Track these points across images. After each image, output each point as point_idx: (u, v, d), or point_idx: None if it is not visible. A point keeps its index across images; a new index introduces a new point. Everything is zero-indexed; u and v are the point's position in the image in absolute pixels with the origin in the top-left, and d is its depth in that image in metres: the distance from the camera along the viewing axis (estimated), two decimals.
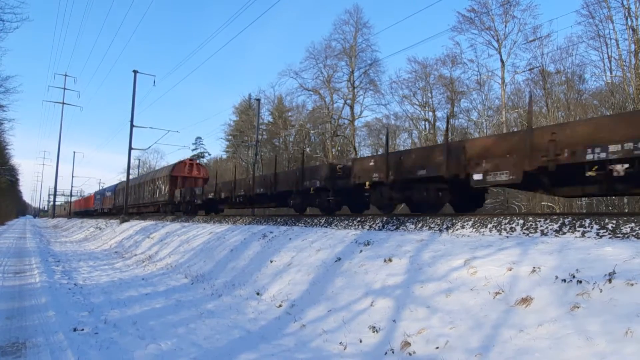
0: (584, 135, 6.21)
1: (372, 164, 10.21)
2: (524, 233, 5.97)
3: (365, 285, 5.86)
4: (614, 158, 5.81)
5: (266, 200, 15.62)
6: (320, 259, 7.28)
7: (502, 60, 24.55)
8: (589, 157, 6.06)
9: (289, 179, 13.41)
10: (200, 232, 13.56)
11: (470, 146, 8.04)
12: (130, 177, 28.53)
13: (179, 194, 22.14)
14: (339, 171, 11.47)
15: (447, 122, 10.96)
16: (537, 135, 6.76)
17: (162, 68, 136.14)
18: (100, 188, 54.44)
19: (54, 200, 66.17)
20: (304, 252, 7.94)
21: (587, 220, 5.53)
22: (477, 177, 7.67)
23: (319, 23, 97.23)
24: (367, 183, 10.12)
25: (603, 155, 5.92)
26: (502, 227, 6.42)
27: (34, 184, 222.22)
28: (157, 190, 25.01)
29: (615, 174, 5.85)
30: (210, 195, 18.65)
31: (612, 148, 5.80)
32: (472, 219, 7.13)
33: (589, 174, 6.20)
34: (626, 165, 5.73)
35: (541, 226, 5.89)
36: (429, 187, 9.10)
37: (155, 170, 31.47)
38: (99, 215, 41.61)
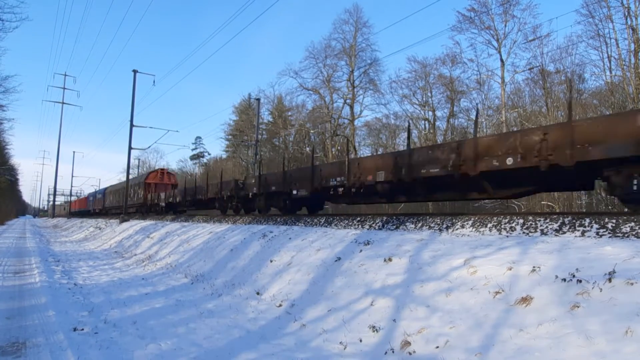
0: (329, 171, 11.74)
1: (253, 181, 15.25)
2: (523, 232, 5.97)
3: (365, 284, 5.86)
4: (337, 184, 11.20)
5: (203, 204, 20.04)
6: (320, 259, 7.28)
7: (501, 60, 24.56)
8: (332, 183, 11.43)
9: (214, 189, 18.21)
10: (200, 232, 13.56)
11: (291, 173, 13.56)
12: (123, 179, 31.39)
13: (150, 198, 27.12)
14: (240, 185, 16.19)
15: (283, 159, 16.36)
16: (316, 170, 12.08)
17: (162, 68, 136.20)
18: (93, 190, 55.45)
19: (54, 200, 66.24)
20: (303, 251, 7.93)
21: (587, 220, 5.53)
22: (294, 192, 12.91)
23: (319, 23, 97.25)
24: (251, 194, 15.37)
25: (334, 182, 11.32)
26: (502, 226, 6.42)
27: (33, 183, 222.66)
28: (135, 195, 29.52)
29: (339, 192, 11.27)
30: (170, 200, 23.72)
31: (338, 179, 11.17)
32: (472, 219, 7.14)
33: (331, 192, 11.57)
34: (342, 188, 11.08)
35: (541, 225, 5.90)
36: (279, 197, 14.02)
37: (134, 177, 35.50)
38: (93, 215, 44.15)
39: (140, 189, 28.96)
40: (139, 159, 62.17)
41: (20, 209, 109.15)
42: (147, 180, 29.22)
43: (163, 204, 24.58)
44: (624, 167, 6.16)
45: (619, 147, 5.93)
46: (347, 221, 9.50)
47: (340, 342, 4.75)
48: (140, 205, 28.46)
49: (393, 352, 4.32)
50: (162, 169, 31.73)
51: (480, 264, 5.02)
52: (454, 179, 8.18)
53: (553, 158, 6.65)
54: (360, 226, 8.90)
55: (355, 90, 33.38)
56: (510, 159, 7.23)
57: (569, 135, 6.46)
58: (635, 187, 6.06)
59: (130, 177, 29.09)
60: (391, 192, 10.13)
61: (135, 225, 21.51)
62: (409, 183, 9.21)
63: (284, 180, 13.34)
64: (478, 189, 8.55)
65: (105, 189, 41.35)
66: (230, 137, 51.34)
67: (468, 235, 6.44)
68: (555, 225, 5.72)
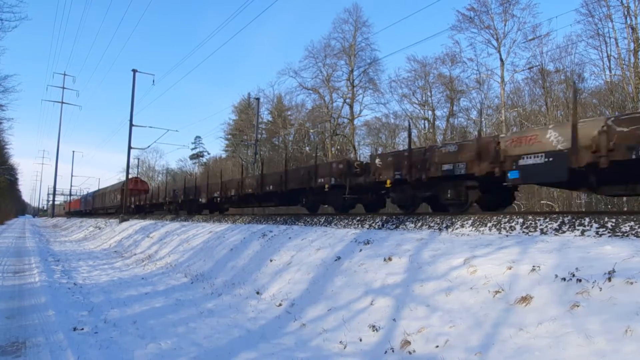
0: (213, 188, 18.42)
1: (180, 191, 22.02)
2: (523, 232, 5.98)
3: (365, 284, 5.86)
4: (217, 196, 17.93)
5: (157, 206, 26.46)
6: (320, 258, 7.28)
7: (501, 59, 24.53)
8: (215, 195, 17.99)
9: (162, 195, 24.93)
10: (200, 232, 13.56)
11: (198, 186, 20.50)
12: (123, 179, 35.73)
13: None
14: (175, 193, 22.96)
15: (220, 174, 20.01)
16: (209, 186, 18.98)
17: (161, 67, 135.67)
18: (87, 192, 57.88)
19: (53, 200, 66.14)
20: (303, 251, 7.93)
21: (587, 219, 5.54)
22: (200, 200, 19.57)
23: (319, 23, 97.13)
24: (180, 199, 21.89)
25: (216, 195, 17.86)
26: (502, 225, 6.43)
27: (33, 183, 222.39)
28: (115, 198, 35.26)
29: (218, 201, 18.19)
30: (137, 203, 30.40)
31: (217, 193, 17.94)
32: (472, 218, 7.15)
33: (214, 201, 18.26)
34: (219, 199, 17.78)
35: (541, 225, 5.90)
36: (194, 202, 20.46)
37: (114, 184, 41.66)
38: (85, 214, 48.10)
39: (118, 193, 34.13)
40: (138, 159, 62.16)
41: (20, 208, 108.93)
42: (123, 186, 33.37)
43: (133, 206, 30.72)
44: (303, 194, 13.05)
45: (296, 184, 13.05)
46: (346, 220, 9.50)
47: (340, 342, 4.76)
48: (118, 207, 33.35)
49: (393, 351, 4.33)
50: (136, 178, 37.99)
51: (480, 263, 5.02)
52: (258, 195, 15.12)
53: (283, 188, 13.49)
54: (360, 225, 8.90)
55: (355, 89, 33.35)
56: (271, 186, 14.27)
57: (284, 177, 13.56)
58: (304, 202, 13.38)
59: (115, 182, 30.97)
60: (240, 201, 16.93)
61: (134, 224, 21.51)
62: (244, 196, 16.07)
63: (194, 191, 20.43)
64: (272, 200, 15.39)
65: (95, 192, 47.32)
66: (229, 136, 51.28)
67: (468, 235, 6.44)
68: (555, 225, 5.73)
